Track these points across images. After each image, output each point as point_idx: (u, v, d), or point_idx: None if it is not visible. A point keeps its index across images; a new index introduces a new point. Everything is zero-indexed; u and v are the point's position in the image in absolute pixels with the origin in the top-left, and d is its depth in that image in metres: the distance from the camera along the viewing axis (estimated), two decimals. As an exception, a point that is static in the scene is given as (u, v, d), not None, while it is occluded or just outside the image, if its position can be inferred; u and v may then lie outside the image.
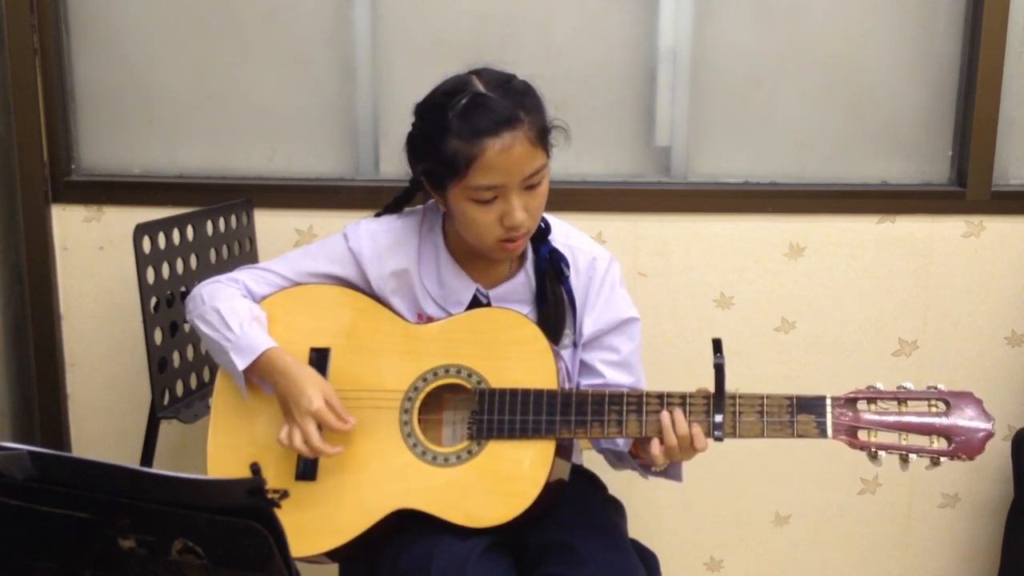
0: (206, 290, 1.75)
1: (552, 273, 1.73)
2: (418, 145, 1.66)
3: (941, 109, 2.54)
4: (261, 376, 1.68)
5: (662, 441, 1.58)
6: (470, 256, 1.73)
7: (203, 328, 1.72)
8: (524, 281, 1.75)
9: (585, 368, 1.78)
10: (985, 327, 2.55)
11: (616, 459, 1.78)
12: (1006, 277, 2.53)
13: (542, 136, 1.61)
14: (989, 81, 2.45)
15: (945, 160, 2.56)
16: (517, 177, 1.59)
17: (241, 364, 1.66)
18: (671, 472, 1.69)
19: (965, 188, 2.50)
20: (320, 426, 1.63)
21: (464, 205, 1.61)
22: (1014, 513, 2.49)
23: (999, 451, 2.52)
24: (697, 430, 1.56)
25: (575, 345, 1.77)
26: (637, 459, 1.71)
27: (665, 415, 1.58)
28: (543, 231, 1.73)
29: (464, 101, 1.57)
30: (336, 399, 1.65)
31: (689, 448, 1.58)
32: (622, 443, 1.71)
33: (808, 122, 2.54)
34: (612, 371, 1.76)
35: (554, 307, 1.72)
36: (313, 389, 1.63)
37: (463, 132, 1.56)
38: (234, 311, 1.70)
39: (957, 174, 2.54)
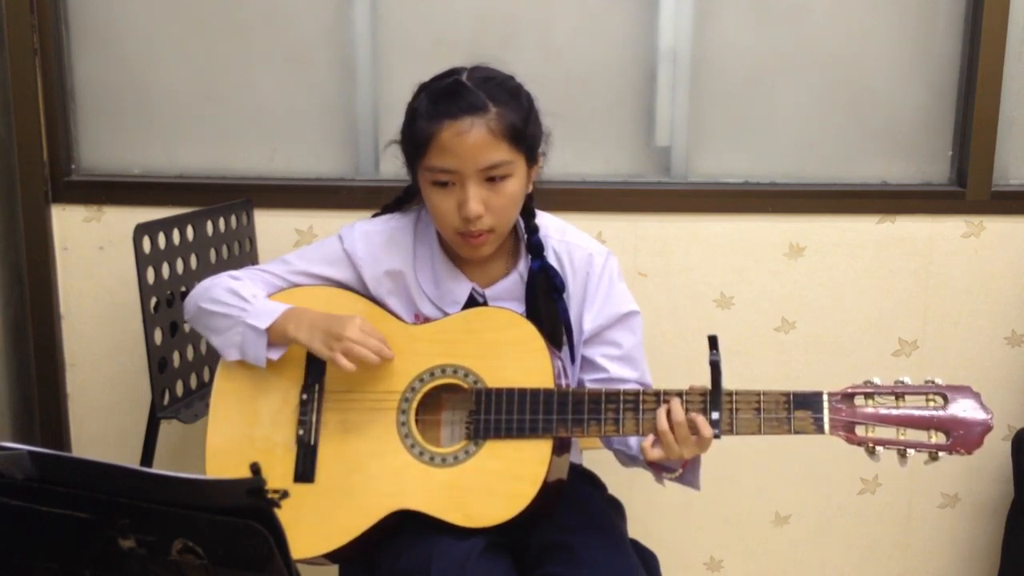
0: (209, 281, 1.76)
1: (544, 289, 1.72)
2: (403, 123, 1.69)
3: (941, 109, 2.54)
4: (283, 335, 1.66)
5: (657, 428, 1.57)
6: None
7: (212, 308, 1.71)
8: (520, 280, 1.75)
9: (588, 364, 1.77)
10: (985, 327, 2.55)
11: (628, 459, 1.77)
12: (1006, 277, 2.53)
13: (510, 132, 1.61)
14: (989, 81, 2.45)
15: (945, 160, 2.56)
16: (472, 165, 1.59)
17: (263, 323, 1.66)
18: (688, 479, 1.67)
19: (965, 188, 2.50)
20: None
21: (426, 188, 1.65)
22: (1014, 513, 2.49)
23: (999, 451, 2.52)
24: (700, 418, 1.54)
25: (572, 360, 1.76)
26: (651, 465, 1.69)
27: (661, 408, 1.57)
28: (538, 247, 1.72)
29: (441, 86, 1.62)
30: (368, 323, 1.65)
31: (687, 438, 1.55)
32: (635, 446, 1.70)
33: (808, 122, 2.54)
34: (615, 366, 1.75)
35: (549, 327, 1.71)
36: (347, 319, 1.64)
37: (428, 112, 1.61)
38: (246, 288, 1.72)
39: (957, 174, 2.54)
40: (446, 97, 1.60)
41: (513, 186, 1.64)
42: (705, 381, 1.59)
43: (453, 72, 1.65)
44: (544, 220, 1.77)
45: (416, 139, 1.62)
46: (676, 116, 2.51)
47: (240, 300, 1.69)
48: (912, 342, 2.55)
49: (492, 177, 1.61)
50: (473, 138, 1.58)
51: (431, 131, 1.59)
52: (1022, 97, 2.52)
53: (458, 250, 1.70)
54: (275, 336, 1.68)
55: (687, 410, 1.56)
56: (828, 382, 2.52)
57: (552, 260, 1.75)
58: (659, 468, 1.67)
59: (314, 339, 1.65)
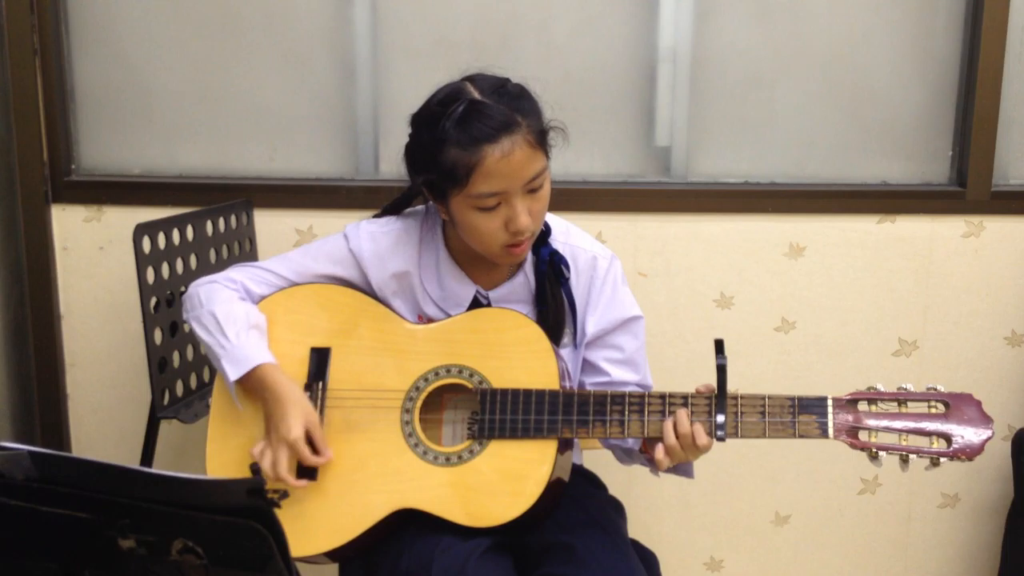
0: (203, 291, 1.74)
1: (552, 275, 1.73)
2: (416, 156, 1.65)
3: (941, 109, 2.54)
4: (253, 389, 1.68)
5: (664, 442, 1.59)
6: (470, 258, 1.73)
7: (199, 331, 1.72)
8: (524, 282, 1.75)
9: (589, 367, 1.78)
10: (985, 327, 2.55)
11: (625, 455, 1.78)
12: (1006, 277, 2.53)
13: (541, 138, 1.60)
14: (989, 81, 2.45)
15: (945, 160, 2.56)
16: (519, 182, 1.58)
17: (233, 375, 1.66)
18: (681, 468, 1.69)
19: (965, 188, 2.50)
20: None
21: (467, 214, 1.61)
22: (1014, 513, 2.49)
23: (999, 451, 2.52)
24: (698, 427, 1.56)
25: (575, 345, 1.77)
26: (646, 455, 1.71)
27: (668, 422, 1.58)
28: (543, 233, 1.73)
29: (460, 109, 1.56)
30: (319, 429, 1.64)
31: (692, 447, 1.57)
32: (631, 440, 1.71)
33: (808, 122, 2.54)
34: (617, 369, 1.76)
35: (554, 309, 1.72)
36: (295, 417, 1.62)
37: (461, 140, 1.55)
38: (231, 317, 1.69)
39: (957, 174, 2.54)
40: (475, 121, 1.55)
41: (547, 187, 1.64)
42: (705, 380, 1.60)
43: (459, 92, 1.59)
44: (548, 220, 1.76)
45: (453, 170, 1.56)
46: (676, 116, 2.51)
47: (221, 336, 1.67)
48: (912, 342, 2.55)
49: (533, 188, 1.61)
50: (518, 157, 1.56)
51: (474, 159, 1.55)
52: (1022, 97, 2.52)
53: (499, 261, 1.68)
54: (248, 386, 1.68)
55: (692, 413, 1.58)
56: (828, 382, 2.53)
57: None
58: (655, 460, 1.68)
59: (268, 422, 1.66)
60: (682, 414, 1.58)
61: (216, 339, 1.68)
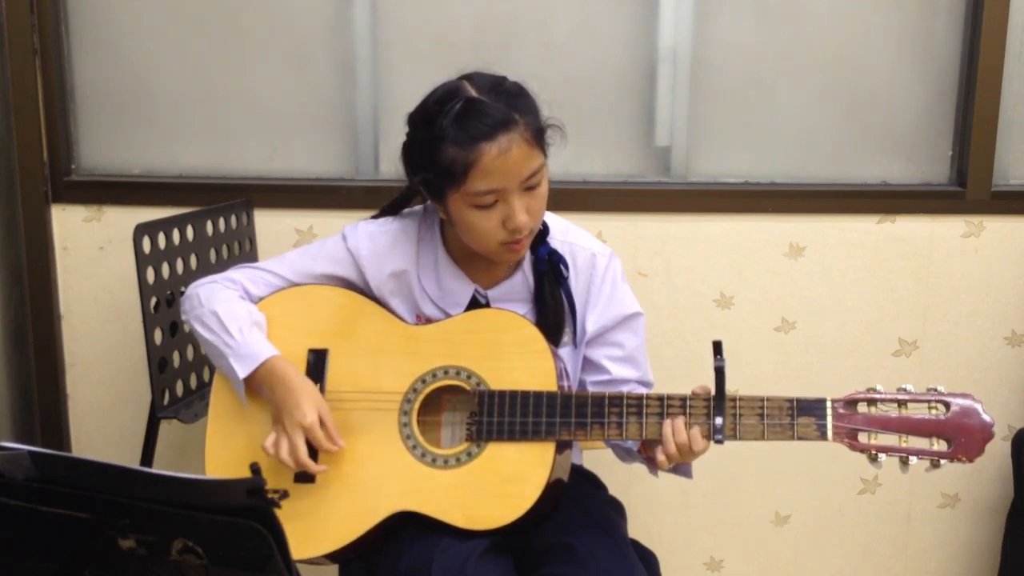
0: (203, 291, 1.74)
1: (551, 275, 1.73)
2: (414, 155, 1.65)
3: (941, 109, 2.54)
4: (260, 383, 1.68)
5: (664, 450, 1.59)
6: (468, 257, 1.72)
7: (201, 331, 1.71)
8: (522, 281, 1.75)
9: (590, 364, 1.78)
10: (985, 327, 2.55)
11: (625, 453, 1.79)
12: (1006, 277, 2.53)
13: (538, 136, 1.60)
14: (989, 81, 2.45)
15: (945, 160, 2.56)
16: (516, 179, 1.58)
17: (242, 372, 1.65)
18: (681, 468, 1.70)
19: (965, 188, 2.50)
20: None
21: (465, 212, 1.61)
22: (1014, 513, 2.49)
23: (999, 451, 2.52)
24: (695, 433, 1.57)
25: (575, 344, 1.77)
26: (644, 455, 1.71)
27: (667, 426, 1.58)
28: (541, 232, 1.73)
29: (457, 107, 1.56)
30: (331, 418, 1.64)
31: (688, 452, 1.58)
32: (630, 441, 1.71)
33: (808, 122, 2.54)
34: (617, 366, 1.76)
35: (553, 309, 1.72)
36: (309, 404, 1.62)
37: (458, 138, 1.55)
38: (233, 315, 1.69)
39: (957, 174, 2.54)
40: (472, 119, 1.55)
41: (545, 185, 1.64)
42: (705, 381, 1.60)
43: (456, 90, 1.60)
44: (547, 219, 1.77)
45: (451, 168, 1.56)
46: (676, 116, 2.51)
47: (226, 335, 1.67)
48: (912, 342, 2.55)
49: (531, 185, 1.61)
50: (515, 154, 1.56)
51: (471, 157, 1.55)
52: (1022, 97, 2.52)
53: (497, 259, 1.68)
54: (255, 382, 1.68)
55: (690, 415, 1.58)
56: (828, 382, 2.53)
57: None
58: (653, 461, 1.68)
59: (278, 412, 1.65)
60: (679, 422, 1.58)
61: (220, 337, 1.68)
